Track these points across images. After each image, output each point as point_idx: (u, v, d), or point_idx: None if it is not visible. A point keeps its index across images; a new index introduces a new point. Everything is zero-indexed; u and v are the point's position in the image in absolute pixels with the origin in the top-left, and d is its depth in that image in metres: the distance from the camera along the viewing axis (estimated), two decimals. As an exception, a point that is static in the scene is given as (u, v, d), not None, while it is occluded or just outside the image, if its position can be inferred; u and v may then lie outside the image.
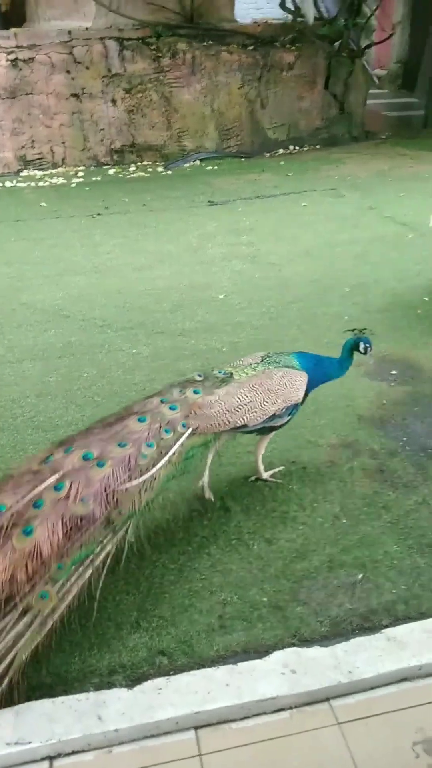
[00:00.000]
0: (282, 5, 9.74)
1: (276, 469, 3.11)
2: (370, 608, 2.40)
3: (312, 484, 3.05)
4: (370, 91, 14.19)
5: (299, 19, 9.63)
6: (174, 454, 2.46)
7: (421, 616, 2.34)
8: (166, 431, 2.48)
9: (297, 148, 9.83)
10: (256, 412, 2.69)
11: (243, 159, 9.40)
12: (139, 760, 1.93)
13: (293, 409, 2.83)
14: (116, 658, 2.25)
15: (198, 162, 9.23)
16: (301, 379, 2.81)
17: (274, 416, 2.77)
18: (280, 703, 2.04)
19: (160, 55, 8.83)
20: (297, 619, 2.37)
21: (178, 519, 2.87)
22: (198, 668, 2.17)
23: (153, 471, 2.38)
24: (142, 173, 8.92)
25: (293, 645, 2.24)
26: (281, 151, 9.73)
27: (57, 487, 2.20)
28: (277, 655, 2.16)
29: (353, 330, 2.95)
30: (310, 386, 2.87)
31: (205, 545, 2.73)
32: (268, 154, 9.63)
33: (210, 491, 2.94)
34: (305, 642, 2.27)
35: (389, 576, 2.53)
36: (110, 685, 2.13)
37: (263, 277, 5.38)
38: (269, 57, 9.21)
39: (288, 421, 2.88)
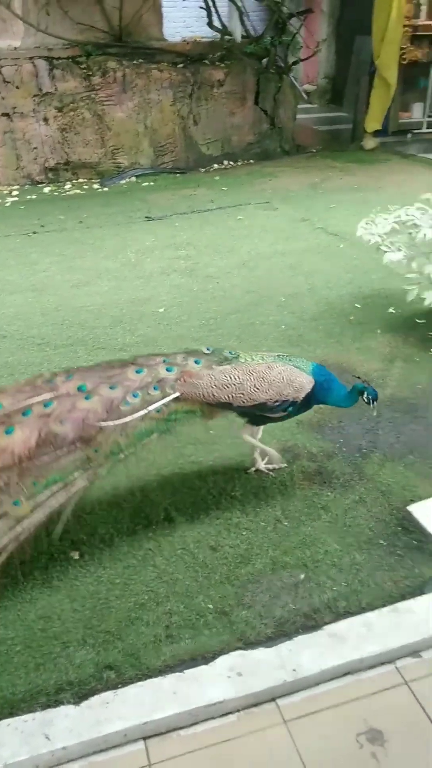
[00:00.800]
0: (210, 24, 9.92)
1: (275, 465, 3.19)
2: (312, 607, 2.46)
3: (254, 490, 3.10)
4: (301, 106, 14.62)
5: (227, 38, 9.84)
6: (156, 411, 2.64)
7: (362, 610, 2.42)
8: (155, 388, 2.68)
9: (231, 163, 9.99)
10: (243, 395, 2.75)
11: (178, 175, 9.49)
12: (88, 776, 1.93)
13: (289, 406, 2.84)
14: (63, 676, 2.23)
15: (134, 179, 9.27)
16: (303, 381, 2.81)
17: (264, 406, 2.80)
18: (228, 706, 2.07)
19: (90, 73, 8.85)
20: (242, 622, 2.41)
21: (122, 533, 2.87)
22: (146, 679, 2.17)
23: (129, 419, 2.57)
24: (78, 191, 8.89)
25: (239, 649, 2.28)
26: (216, 166, 9.86)
27: (46, 404, 2.51)
28: (223, 660, 2.20)
29: (360, 378, 3.01)
30: (315, 397, 2.88)
31: (150, 557, 2.74)
32: (203, 170, 9.74)
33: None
34: (251, 645, 2.31)
35: (330, 574, 2.60)
36: (57, 703, 2.12)
37: (201, 290, 5.45)
38: (199, 74, 9.36)
39: (284, 417, 2.92)
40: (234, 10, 9.96)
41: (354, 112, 11.36)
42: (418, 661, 2.21)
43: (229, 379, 2.75)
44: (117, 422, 2.54)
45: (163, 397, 2.67)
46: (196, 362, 2.82)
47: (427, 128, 11.39)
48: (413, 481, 3.09)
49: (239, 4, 9.69)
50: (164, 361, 2.79)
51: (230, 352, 2.89)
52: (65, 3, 8.92)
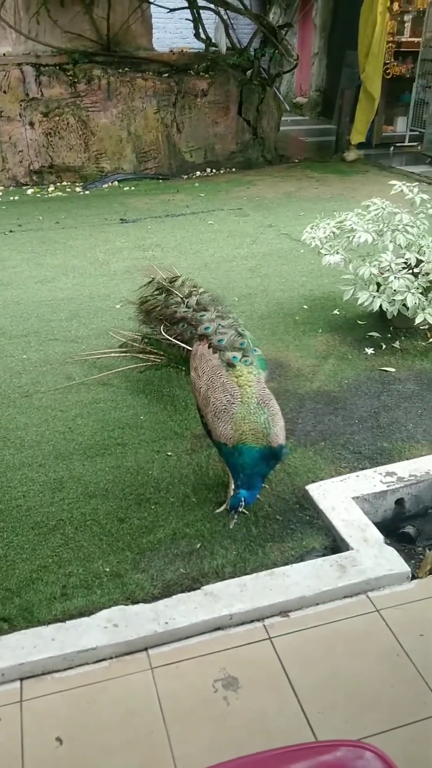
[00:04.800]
0: (196, 35, 10.21)
1: None
2: (201, 572, 2.64)
3: (171, 470, 3.29)
4: (292, 118, 14.95)
5: (212, 49, 10.12)
6: (178, 347, 3.55)
7: (245, 575, 2.60)
8: (191, 332, 3.41)
9: (214, 170, 10.25)
10: (195, 384, 2.94)
11: (161, 180, 9.74)
12: (-36, 709, 2.11)
13: (208, 429, 2.86)
14: (-41, 625, 2.42)
15: (116, 183, 9.53)
16: (223, 431, 2.67)
17: (198, 409, 2.97)
18: (101, 653, 2.25)
19: (76, 80, 9.13)
20: (134, 584, 2.59)
21: (39, 504, 3.06)
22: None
23: (163, 336, 3.63)
24: (61, 193, 9.15)
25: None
26: (198, 173, 10.12)
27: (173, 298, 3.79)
28: (102, 613, 2.38)
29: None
30: (228, 459, 2.76)
31: (61, 526, 2.93)
32: (185, 177, 9.99)
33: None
34: (136, 603, 2.49)
35: (224, 544, 2.78)
36: None
37: (161, 289, 5.65)
38: (183, 84, 9.63)
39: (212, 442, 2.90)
40: (221, 22, 10.25)
41: (338, 124, 11.61)
42: (285, 620, 2.39)
43: (202, 366, 2.92)
44: (161, 330, 3.63)
45: (186, 343, 3.42)
46: (219, 341, 2.95)
47: (409, 142, 11.62)
48: (319, 464, 3.28)
49: (225, 17, 9.97)
50: (219, 324, 3.11)
51: (243, 361, 2.85)
52: (55, 13, 9.22)
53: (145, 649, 2.29)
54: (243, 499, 2.63)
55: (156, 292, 3.92)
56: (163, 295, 3.85)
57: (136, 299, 4.12)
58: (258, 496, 2.87)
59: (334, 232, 4.60)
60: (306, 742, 1.72)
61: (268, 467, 2.71)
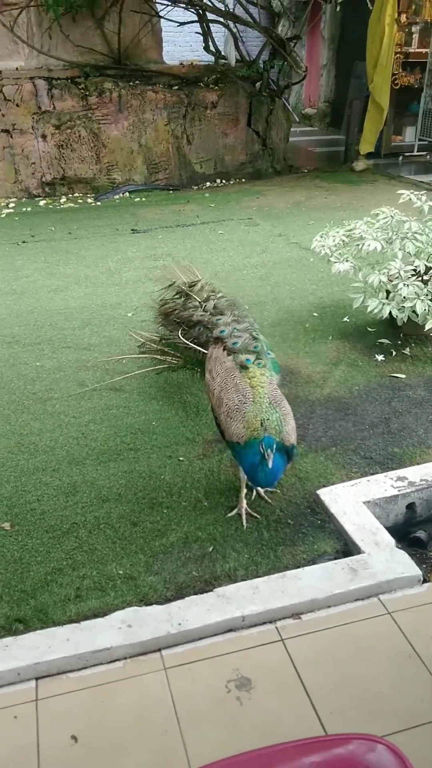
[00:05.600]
0: (206, 48, 10.35)
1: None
2: (213, 575, 2.67)
3: (183, 474, 3.32)
4: (302, 129, 15.08)
5: (221, 61, 10.25)
6: (193, 351, 3.49)
7: (257, 578, 2.62)
8: (206, 335, 3.38)
9: (223, 181, 10.35)
10: (209, 383, 3.03)
11: (171, 191, 9.84)
12: (-19, 708, 2.14)
13: (219, 427, 2.93)
14: (-25, 626, 2.45)
15: (127, 194, 9.64)
16: (234, 429, 2.72)
17: (212, 408, 3.00)
18: (115, 654, 2.27)
19: (87, 93, 9.28)
20: (147, 586, 2.61)
21: (53, 509, 3.10)
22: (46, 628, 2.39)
23: (180, 340, 3.58)
24: (72, 204, 9.26)
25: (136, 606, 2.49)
26: (208, 184, 10.22)
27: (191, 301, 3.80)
28: (117, 614, 2.41)
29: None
30: (238, 454, 2.80)
31: (75, 529, 2.96)
32: (195, 187, 10.10)
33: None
34: (150, 604, 2.52)
35: (236, 548, 2.81)
36: (-35, 648, 2.34)
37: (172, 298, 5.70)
38: (193, 96, 9.76)
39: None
40: (230, 35, 10.38)
41: (346, 134, 11.69)
42: (297, 622, 2.41)
43: (216, 368, 2.98)
44: (178, 334, 3.58)
45: (201, 346, 3.38)
46: (234, 344, 3.03)
47: (418, 151, 11.68)
48: (330, 469, 3.30)
49: (234, 30, 10.09)
50: (234, 328, 3.19)
51: (256, 363, 2.90)
52: (67, 28, 9.37)
53: (159, 649, 2.31)
54: (271, 444, 2.55)
55: (176, 296, 3.93)
56: (182, 298, 3.86)
57: (156, 301, 4.11)
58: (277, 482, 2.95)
59: (343, 241, 4.64)
60: (319, 736, 1.74)
61: (282, 461, 2.68)
